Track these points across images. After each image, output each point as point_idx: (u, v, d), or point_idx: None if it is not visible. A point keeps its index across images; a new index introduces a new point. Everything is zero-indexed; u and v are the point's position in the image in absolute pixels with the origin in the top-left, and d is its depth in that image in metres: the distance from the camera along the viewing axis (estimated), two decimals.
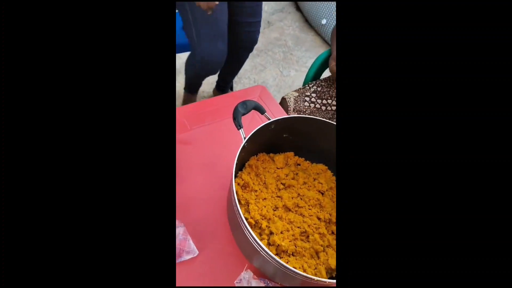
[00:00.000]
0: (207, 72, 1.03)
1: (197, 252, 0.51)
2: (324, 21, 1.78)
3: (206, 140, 0.68)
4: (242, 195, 0.55)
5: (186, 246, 0.52)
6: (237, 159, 0.48)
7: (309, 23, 1.91)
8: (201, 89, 1.33)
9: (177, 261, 0.50)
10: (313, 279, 0.40)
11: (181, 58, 1.71)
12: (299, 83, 1.61)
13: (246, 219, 0.51)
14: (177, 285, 0.49)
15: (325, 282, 0.40)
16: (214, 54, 0.93)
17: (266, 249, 0.41)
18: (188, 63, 1.06)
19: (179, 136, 0.68)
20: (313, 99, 0.91)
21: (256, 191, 0.57)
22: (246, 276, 0.48)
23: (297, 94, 0.91)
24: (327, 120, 0.54)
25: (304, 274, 0.40)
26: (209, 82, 1.40)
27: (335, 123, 0.54)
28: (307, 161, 0.63)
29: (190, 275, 0.50)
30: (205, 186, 0.61)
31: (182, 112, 0.72)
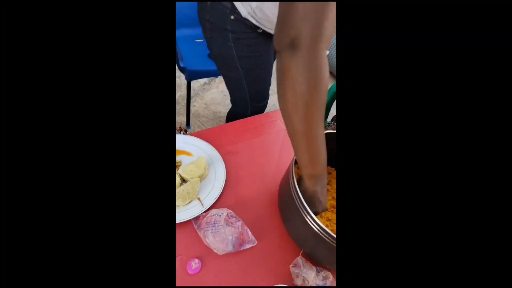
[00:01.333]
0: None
1: (256, 241, 0.62)
2: (327, 52, 1.99)
3: (250, 152, 0.80)
4: None
5: (246, 236, 0.62)
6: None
7: None
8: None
9: (240, 249, 0.60)
10: None
11: (199, 82, 1.83)
12: None
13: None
14: (241, 268, 0.58)
15: None
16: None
17: (316, 219, 0.49)
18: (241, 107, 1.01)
19: (227, 147, 0.79)
20: None
21: None
22: (300, 261, 0.59)
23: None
24: None
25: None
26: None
27: None
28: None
29: (251, 261, 0.60)
30: (255, 189, 0.72)
31: (228, 128, 0.84)
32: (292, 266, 0.59)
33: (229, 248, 0.58)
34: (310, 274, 0.57)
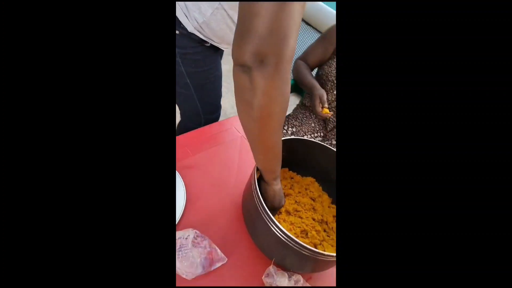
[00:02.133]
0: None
1: (226, 258, 0.60)
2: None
3: (208, 164, 0.78)
4: None
5: (215, 254, 0.60)
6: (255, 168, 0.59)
7: None
8: None
9: (211, 269, 0.58)
10: (324, 253, 0.51)
11: None
12: None
13: None
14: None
15: (334, 256, 0.52)
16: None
17: (279, 225, 0.50)
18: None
19: (183, 161, 0.75)
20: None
21: None
22: (272, 270, 0.59)
23: None
24: (317, 141, 0.70)
25: (316, 250, 0.52)
26: None
27: (326, 145, 0.70)
28: (299, 175, 0.77)
29: (222, 279, 0.58)
30: (218, 203, 0.70)
31: (181, 141, 0.80)
32: (265, 276, 0.59)
33: (199, 271, 0.56)
34: (282, 281, 0.58)
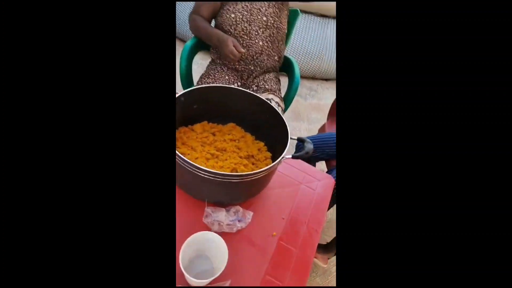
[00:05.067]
0: None
1: None
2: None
3: None
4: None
5: None
6: None
7: None
8: None
9: None
10: (249, 173, 0.55)
11: None
12: None
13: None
14: None
15: (261, 171, 0.57)
16: None
17: (200, 166, 0.54)
18: None
19: None
20: None
21: (188, 154, 0.71)
22: (209, 210, 0.63)
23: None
24: (231, 86, 0.73)
25: (240, 173, 0.57)
26: None
27: (239, 88, 0.73)
28: (219, 124, 0.80)
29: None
30: None
31: None
32: (204, 218, 0.63)
33: None
34: (221, 216, 0.63)
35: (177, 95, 0.67)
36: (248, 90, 0.74)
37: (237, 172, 0.72)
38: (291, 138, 0.65)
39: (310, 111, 1.97)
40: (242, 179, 0.57)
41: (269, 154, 0.75)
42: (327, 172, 0.93)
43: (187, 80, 1.17)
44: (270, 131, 0.74)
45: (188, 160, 0.54)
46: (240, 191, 0.62)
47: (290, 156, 0.64)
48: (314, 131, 1.56)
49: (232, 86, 1.15)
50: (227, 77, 1.12)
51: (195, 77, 1.20)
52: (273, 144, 0.75)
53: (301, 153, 0.64)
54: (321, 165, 1.24)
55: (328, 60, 2.12)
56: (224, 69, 1.12)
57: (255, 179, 0.59)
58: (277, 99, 1.11)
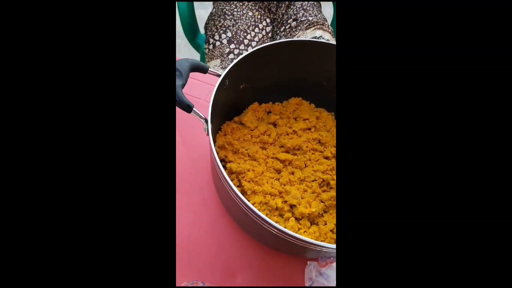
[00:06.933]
0: None
1: None
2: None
3: None
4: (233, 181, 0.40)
5: None
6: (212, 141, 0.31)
7: None
8: None
9: None
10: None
11: None
12: None
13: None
14: None
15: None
16: None
17: (276, 225, 0.29)
18: None
19: None
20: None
21: (248, 171, 0.42)
22: (313, 272, 0.37)
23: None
24: (291, 39, 0.40)
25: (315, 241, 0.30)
26: None
27: (305, 39, 0.40)
28: (276, 103, 0.49)
29: None
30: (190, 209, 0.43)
31: None
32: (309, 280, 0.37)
33: None
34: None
35: (219, 79, 0.35)
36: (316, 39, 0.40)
37: (327, 184, 0.44)
38: None
39: None
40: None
41: None
42: None
43: (191, 26, 0.79)
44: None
45: (264, 216, 0.28)
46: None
47: None
48: None
49: (263, 24, 0.77)
50: (250, 13, 0.75)
51: (200, 24, 0.83)
52: None
53: None
54: None
55: None
56: (243, 1, 0.74)
57: None
58: (328, 36, 0.75)
